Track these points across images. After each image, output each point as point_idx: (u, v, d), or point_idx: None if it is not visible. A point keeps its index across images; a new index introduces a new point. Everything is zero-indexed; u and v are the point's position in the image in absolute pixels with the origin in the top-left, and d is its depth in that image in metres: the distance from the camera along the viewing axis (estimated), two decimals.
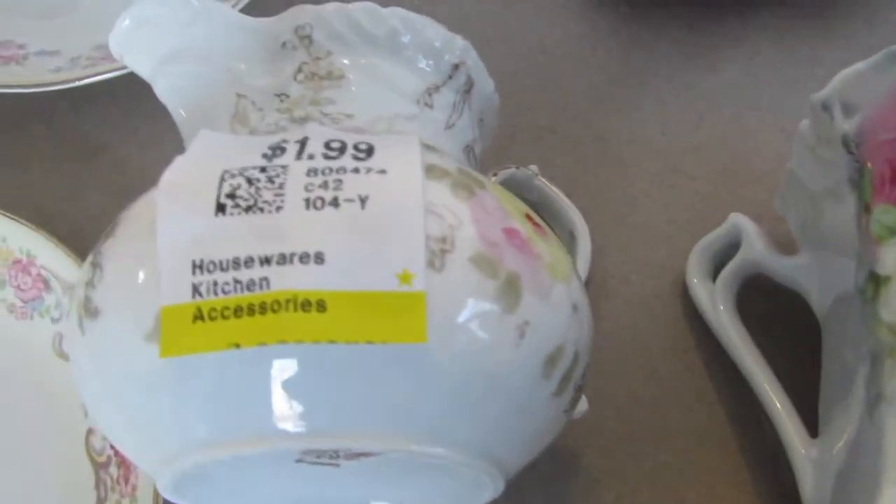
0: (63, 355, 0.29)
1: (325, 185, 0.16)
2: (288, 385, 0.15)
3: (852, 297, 0.23)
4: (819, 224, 0.25)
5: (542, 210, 0.31)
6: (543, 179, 0.31)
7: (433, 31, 0.23)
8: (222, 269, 0.15)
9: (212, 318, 0.15)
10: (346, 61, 0.23)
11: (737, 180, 0.33)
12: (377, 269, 0.15)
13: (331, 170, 0.16)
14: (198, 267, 0.15)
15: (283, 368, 0.15)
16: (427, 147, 0.20)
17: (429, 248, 0.16)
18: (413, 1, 0.38)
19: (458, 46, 0.24)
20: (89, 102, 0.35)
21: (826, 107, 0.22)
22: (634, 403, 0.30)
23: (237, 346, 0.15)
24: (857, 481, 0.22)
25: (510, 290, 0.17)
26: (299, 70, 0.23)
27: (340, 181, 0.16)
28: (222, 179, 0.16)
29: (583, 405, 0.25)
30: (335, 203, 0.16)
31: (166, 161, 0.35)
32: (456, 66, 0.24)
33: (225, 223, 0.15)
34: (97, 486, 0.28)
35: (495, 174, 0.29)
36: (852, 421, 0.23)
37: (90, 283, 0.17)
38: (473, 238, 0.17)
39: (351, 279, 0.15)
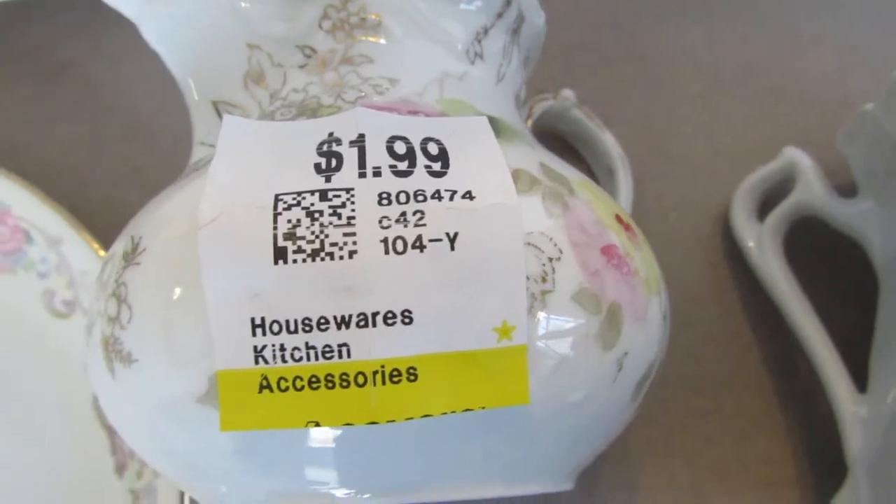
0: (57, 313, 0.27)
1: (403, 219, 0.13)
2: (374, 455, 0.13)
3: None
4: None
5: (578, 143, 0.29)
6: (583, 109, 0.27)
7: None
8: (290, 331, 0.13)
9: (282, 390, 0.13)
10: (380, 4, 0.19)
11: (787, 102, 0.30)
12: (473, 324, 0.13)
13: (407, 195, 0.13)
14: (258, 327, 0.13)
15: (369, 443, 0.13)
16: (497, 128, 0.17)
17: (528, 291, 0.13)
18: None
19: None
20: (44, 10, 0.30)
21: None
22: (669, 349, 0.28)
23: (317, 424, 0.13)
24: None
25: (612, 324, 0.15)
26: (324, 15, 0.19)
27: (422, 213, 0.13)
28: (276, 212, 0.13)
29: None
30: (419, 245, 0.13)
31: (141, 78, 0.31)
32: (508, 2, 0.20)
33: (288, 273, 0.13)
34: (114, 452, 0.26)
35: (531, 109, 0.26)
36: None
37: (116, 321, 0.14)
38: (575, 270, 0.14)
39: (444, 339, 0.13)
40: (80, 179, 0.29)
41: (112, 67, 0.30)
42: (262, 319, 0.13)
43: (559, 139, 0.29)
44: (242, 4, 0.19)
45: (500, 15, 0.20)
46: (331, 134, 0.15)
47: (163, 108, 0.29)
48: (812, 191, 0.26)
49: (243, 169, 0.14)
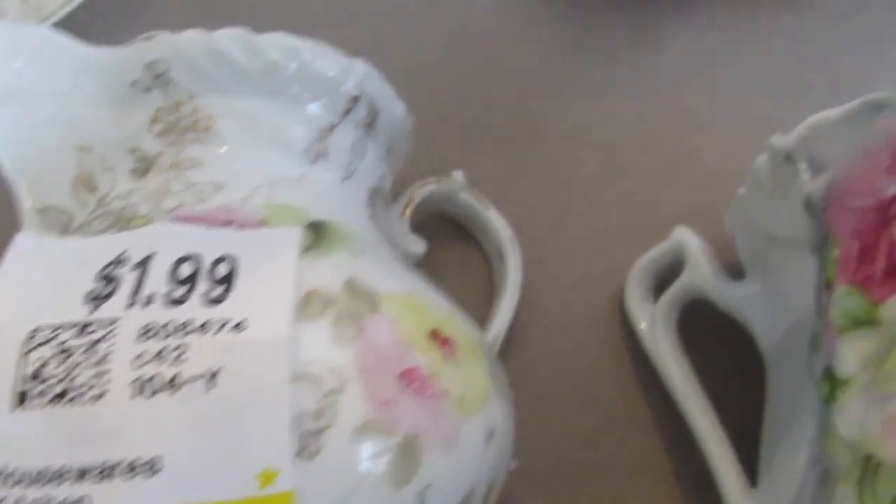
0: None
1: (161, 357, 0.12)
2: None
3: (803, 349, 0.21)
4: (770, 264, 0.22)
5: (469, 225, 0.28)
6: (471, 193, 0.27)
7: (325, 61, 0.19)
8: (29, 483, 0.12)
9: None
10: (214, 106, 0.18)
11: (685, 179, 0.30)
12: (231, 471, 0.12)
13: (173, 328, 0.13)
14: None
15: None
16: (321, 235, 0.16)
17: (300, 430, 0.13)
18: None
19: (356, 74, 0.20)
20: None
21: (790, 159, 0.19)
22: (567, 434, 0.28)
23: None
24: None
25: (407, 457, 0.14)
26: (155, 119, 0.18)
27: (183, 349, 0.12)
28: (26, 349, 0.12)
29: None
30: (173, 386, 0.12)
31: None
32: (355, 98, 0.20)
33: (28, 419, 0.12)
34: None
35: (412, 196, 0.26)
36: (794, 484, 0.21)
37: None
38: (360, 401, 0.13)
39: (197, 489, 0.12)
40: None
41: None
42: (2, 469, 0.12)
43: (450, 221, 0.28)
44: (74, 106, 0.18)
45: (347, 112, 0.20)
46: (122, 253, 0.14)
47: None
48: (700, 272, 0.26)
49: (11, 297, 0.13)
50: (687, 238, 0.26)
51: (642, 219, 0.29)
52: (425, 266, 0.27)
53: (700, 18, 0.31)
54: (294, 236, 0.15)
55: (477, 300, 0.28)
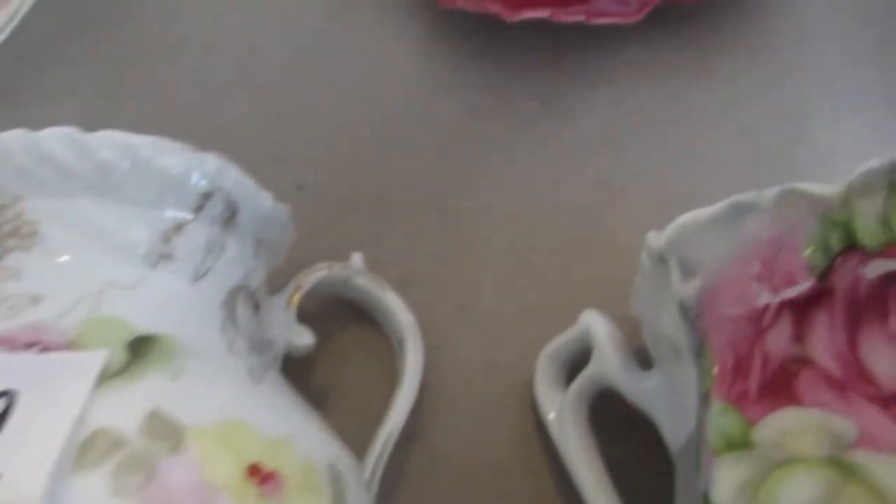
0: None
1: None
2: None
3: (693, 464, 0.19)
4: (665, 360, 0.21)
5: (366, 309, 0.27)
6: (367, 277, 0.26)
7: (167, 158, 0.18)
8: None
9: None
10: (40, 210, 0.17)
11: (599, 255, 0.28)
12: None
13: None
14: None
15: None
16: (143, 352, 0.15)
17: None
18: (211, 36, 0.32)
19: (207, 169, 0.19)
20: None
21: (662, 260, 0.17)
22: None
23: None
24: None
25: None
26: None
27: None
28: None
29: None
30: None
31: None
32: (207, 195, 0.19)
33: None
34: None
35: (300, 284, 0.24)
36: None
37: None
38: None
39: None
40: None
41: None
42: None
43: (350, 305, 0.27)
44: None
45: (199, 209, 0.19)
46: None
47: None
48: (606, 361, 0.24)
49: None
50: (594, 323, 0.25)
51: (554, 298, 0.28)
52: (323, 354, 0.26)
53: (611, 91, 0.30)
54: (94, 363, 0.14)
55: (379, 388, 0.26)
